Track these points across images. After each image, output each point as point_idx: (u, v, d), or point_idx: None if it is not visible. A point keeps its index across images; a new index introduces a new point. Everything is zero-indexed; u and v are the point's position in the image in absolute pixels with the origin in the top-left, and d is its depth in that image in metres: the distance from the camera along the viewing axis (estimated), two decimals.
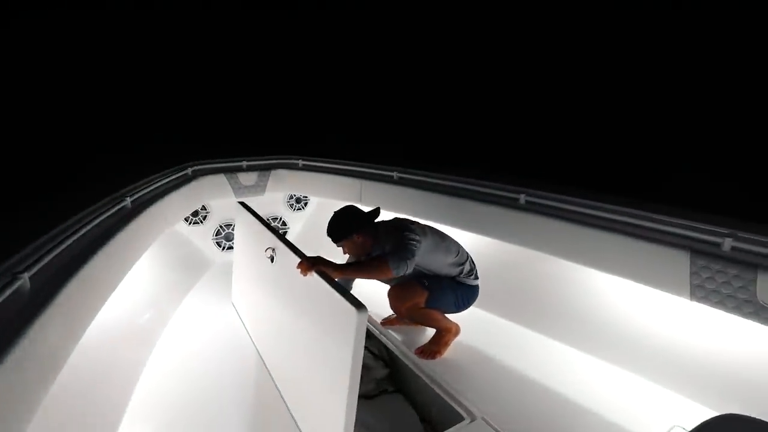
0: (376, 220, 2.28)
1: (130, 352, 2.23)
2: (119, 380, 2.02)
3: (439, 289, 2.19)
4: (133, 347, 2.26)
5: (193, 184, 3.14)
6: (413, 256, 2.00)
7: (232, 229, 3.72)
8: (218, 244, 3.66)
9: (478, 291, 2.32)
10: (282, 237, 1.98)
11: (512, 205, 2.45)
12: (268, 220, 3.81)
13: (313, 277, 1.58)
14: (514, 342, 2.42)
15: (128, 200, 2.28)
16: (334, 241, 2.24)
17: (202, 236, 3.59)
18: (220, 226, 3.67)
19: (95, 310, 1.65)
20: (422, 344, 2.30)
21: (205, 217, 3.60)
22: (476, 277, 2.30)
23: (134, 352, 2.25)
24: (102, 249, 1.74)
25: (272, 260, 2.04)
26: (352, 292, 1.43)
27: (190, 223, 3.53)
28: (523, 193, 2.46)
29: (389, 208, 3.11)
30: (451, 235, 2.35)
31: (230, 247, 3.69)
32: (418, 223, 2.25)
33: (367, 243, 2.23)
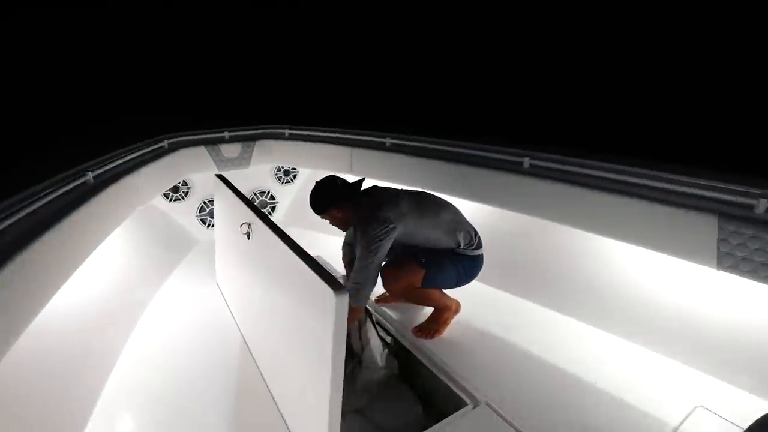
0: (362, 188, 2.07)
1: (104, 337, 2.05)
2: (91, 368, 1.86)
3: (437, 266, 1.99)
4: (107, 332, 2.09)
5: (170, 157, 2.90)
6: (371, 276, 1.85)
7: None
8: (202, 221, 3.44)
9: (481, 261, 2.10)
10: (259, 211, 1.78)
11: (516, 169, 2.23)
12: (254, 194, 3.62)
13: (289, 254, 1.37)
14: (520, 318, 2.24)
15: (90, 175, 2.05)
16: (316, 213, 2.07)
17: (184, 213, 3.38)
18: (204, 202, 3.45)
19: (45, 296, 1.46)
20: (419, 323, 2.13)
21: (186, 193, 3.37)
22: (479, 246, 2.08)
23: (109, 338, 2.08)
24: (54, 228, 1.54)
25: (248, 237, 1.84)
26: None
27: (170, 200, 3.31)
28: (527, 156, 2.24)
29: (383, 178, 2.88)
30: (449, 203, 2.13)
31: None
32: (398, 196, 1.97)
33: (347, 217, 2.04)
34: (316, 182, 2.04)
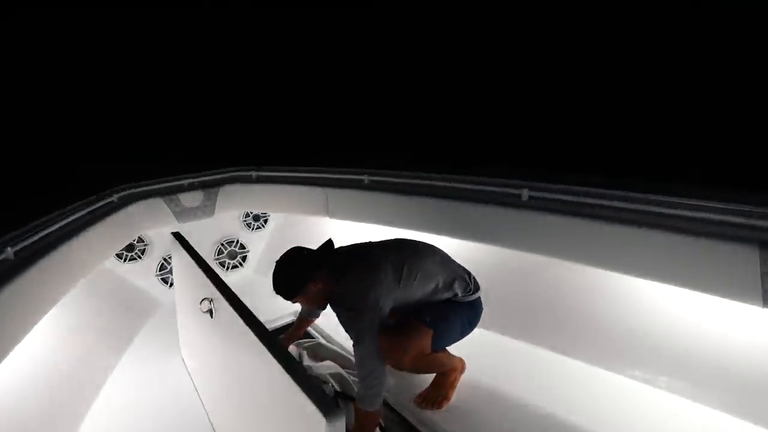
0: (332, 250, 1.73)
1: (56, 419, 1.80)
2: None
3: (443, 321, 1.68)
4: (58, 414, 1.83)
5: (121, 213, 2.55)
6: (378, 363, 1.52)
7: None
8: (164, 281, 3.07)
9: (481, 304, 1.82)
10: (222, 285, 1.47)
11: (513, 203, 1.99)
12: (222, 245, 3.27)
13: (265, 356, 1.06)
14: (529, 366, 1.99)
15: (9, 251, 1.70)
16: (287, 299, 1.66)
17: (142, 274, 3.00)
18: (164, 259, 3.08)
19: None
20: (420, 388, 1.82)
21: (143, 251, 3.00)
22: (476, 289, 1.80)
23: (60, 420, 1.81)
24: None
25: (211, 315, 1.52)
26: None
27: (125, 260, 2.93)
28: (525, 187, 2.01)
29: (363, 218, 2.62)
30: (435, 244, 1.86)
31: None
32: (378, 264, 1.64)
33: (326, 289, 1.65)
34: (277, 262, 1.65)
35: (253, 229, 3.41)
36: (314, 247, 1.70)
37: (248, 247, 3.38)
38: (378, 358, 1.52)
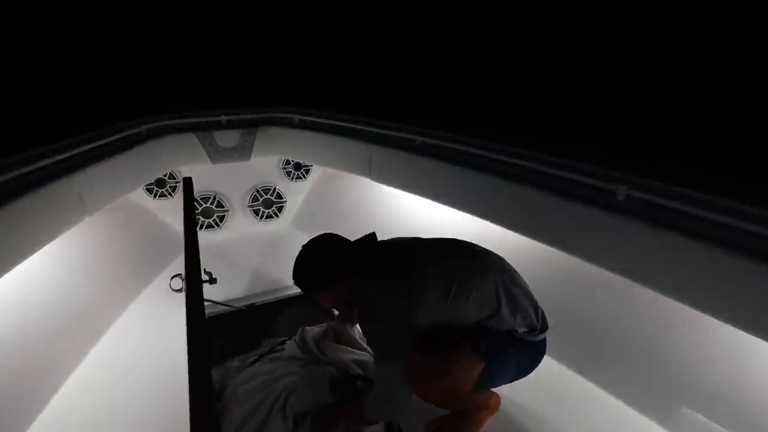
0: (371, 249, 1.31)
1: (63, 348, 1.81)
2: (38, 382, 1.63)
3: (501, 355, 1.24)
4: (67, 343, 1.84)
5: (148, 146, 2.33)
6: (400, 386, 1.20)
7: (211, 203, 2.93)
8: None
9: (544, 348, 1.36)
10: (193, 259, 1.17)
11: (603, 201, 1.47)
12: (257, 191, 3.02)
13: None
14: (591, 414, 1.54)
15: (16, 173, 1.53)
16: (306, 294, 1.31)
17: (172, 212, 2.83)
18: (196, 199, 2.89)
19: None
20: (437, 418, 1.47)
21: (174, 189, 2.82)
22: (543, 329, 1.32)
23: (67, 349, 1.83)
24: None
25: (183, 292, 1.23)
26: None
27: (155, 196, 2.76)
28: (623, 182, 1.47)
29: (408, 186, 2.20)
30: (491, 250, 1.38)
31: (210, 226, 2.93)
32: (420, 265, 1.23)
33: (353, 298, 1.29)
34: (304, 247, 1.30)
35: (292, 178, 3.11)
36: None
37: (285, 197, 3.11)
38: (403, 384, 1.19)
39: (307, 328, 1.82)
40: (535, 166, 1.71)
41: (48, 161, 1.75)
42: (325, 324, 1.84)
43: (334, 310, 1.92)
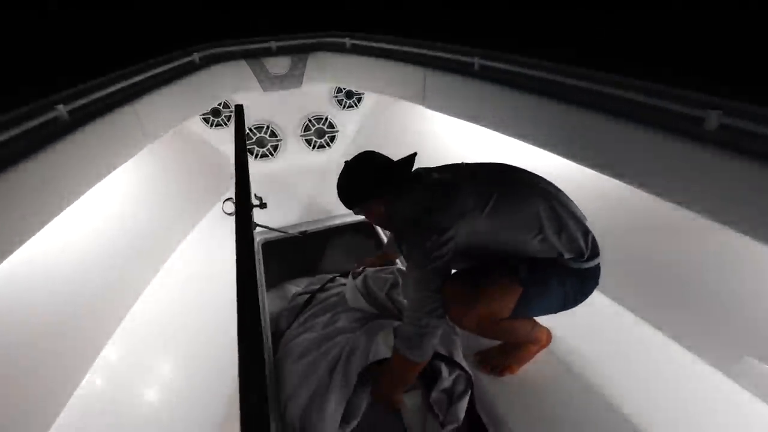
0: (410, 169, 1.30)
1: (130, 270, 1.94)
2: (112, 303, 1.78)
3: (542, 285, 1.19)
4: (134, 266, 1.97)
5: (201, 74, 2.33)
6: (434, 313, 1.16)
7: (265, 132, 2.95)
8: (249, 152, 2.95)
9: (598, 275, 1.27)
10: (243, 181, 1.19)
11: (691, 131, 1.29)
12: (309, 120, 2.99)
13: None
14: (650, 361, 1.48)
15: (62, 109, 1.56)
16: (346, 206, 1.35)
17: (228, 141, 2.89)
18: (250, 129, 2.92)
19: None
20: (483, 347, 1.47)
21: (229, 118, 2.85)
22: (593, 255, 1.23)
23: (136, 271, 1.97)
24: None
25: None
26: None
27: (211, 125, 2.82)
28: (716, 108, 1.27)
29: (464, 114, 2.07)
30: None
31: (264, 155, 2.98)
32: (458, 186, 1.19)
33: (391, 215, 1.30)
34: (347, 163, 1.32)
35: (344, 107, 3.03)
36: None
37: (338, 126, 3.06)
38: (438, 292, 1.16)
39: (369, 271, 1.70)
40: (610, 90, 1.52)
41: (110, 89, 1.79)
42: (385, 268, 1.75)
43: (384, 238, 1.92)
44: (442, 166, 1.34)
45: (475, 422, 1.32)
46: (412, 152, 1.31)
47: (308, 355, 1.39)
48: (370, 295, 1.60)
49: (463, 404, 1.28)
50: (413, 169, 1.31)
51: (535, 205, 1.17)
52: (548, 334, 1.42)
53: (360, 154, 1.32)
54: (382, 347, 1.30)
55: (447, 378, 1.31)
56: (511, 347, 1.41)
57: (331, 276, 1.93)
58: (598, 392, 1.34)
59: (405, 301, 1.49)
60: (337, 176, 1.32)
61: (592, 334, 1.54)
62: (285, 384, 1.33)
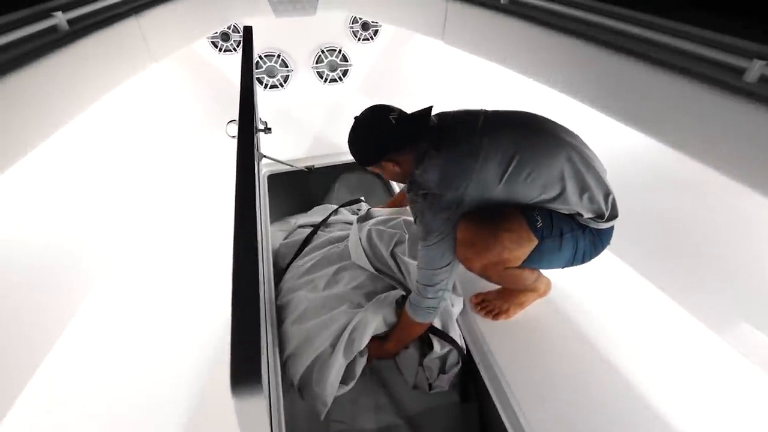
0: (426, 125, 1.20)
1: (131, 195, 1.90)
2: (111, 231, 1.74)
3: (558, 238, 1.16)
4: (135, 191, 1.93)
5: None
6: (441, 286, 1.20)
7: (275, 62, 2.83)
8: (258, 81, 2.84)
9: (610, 236, 1.25)
10: (248, 101, 1.14)
11: (733, 84, 1.19)
12: (322, 52, 2.85)
13: None
14: (648, 320, 1.48)
15: (61, 16, 1.47)
16: (360, 164, 1.28)
17: (237, 67, 2.78)
18: (260, 57, 2.79)
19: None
20: (482, 290, 1.47)
21: (239, 43, 2.72)
22: (612, 216, 1.20)
23: (138, 197, 1.93)
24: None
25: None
26: None
27: (219, 50, 2.70)
28: (761, 57, 1.17)
29: (487, 53, 1.95)
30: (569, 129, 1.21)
31: (274, 86, 2.87)
32: (480, 141, 1.11)
33: (407, 171, 1.23)
34: (357, 119, 1.23)
35: (359, 39, 2.88)
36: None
37: (351, 60, 2.92)
38: (447, 265, 1.17)
39: (374, 223, 1.62)
40: (644, 33, 1.40)
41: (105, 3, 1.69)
42: (391, 218, 1.67)
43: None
44: (462, 114, 1.23)
45: (465, 388, 1.37)
46: (428, 106, 1.21)
47: (309, 319, 1.36)
48: (375, 254, 1.55)
49: (451, 375, 1.32)
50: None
51: (559, 164, 1.10)
52: (547, 284, 1.41)
53: (373, 107, 1.22)
54: (383, 326, 1.33)
55: (438, 351, 1.31)
56: (510, 293, 1.41)
57: (335, 207, 1.91)
58: (589, 341, 1.36)
59: (410, 261, 1.45)
60: (349, 131, 1.24)
61: (590, 286, 1.53)
62: (285, 342, 1.33)
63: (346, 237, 1.68)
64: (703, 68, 1.23)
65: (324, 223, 1.82)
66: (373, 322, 1.29)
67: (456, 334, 1.37)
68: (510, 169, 1.09)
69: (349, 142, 1.25)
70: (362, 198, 2.01)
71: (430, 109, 1.21)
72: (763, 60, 1.14)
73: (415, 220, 1.23)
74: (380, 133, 1.19)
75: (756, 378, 1.28)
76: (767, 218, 1.29)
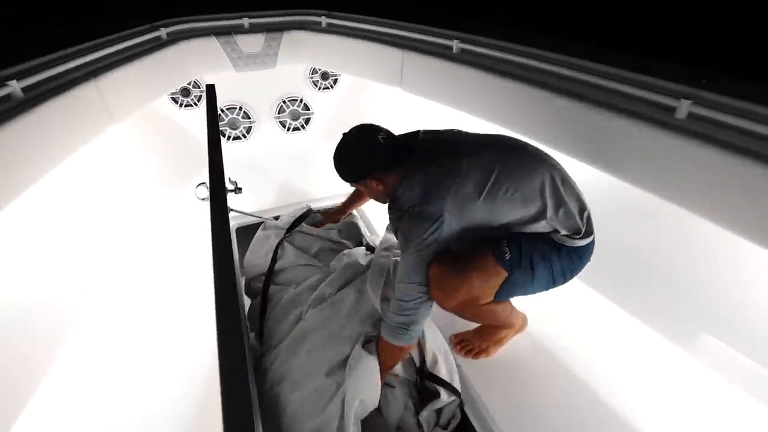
0: (413, 147, 1.25)
1: (97, 260, 1.86)
2: (78, 294, 1.71)
3: (528, 268, 1.17)
4: (101, 257, 1.89)
5: (169, 50, 2.22)
6: (418, 301, 1.18)
7: (238, 114, 2.86)
8: (221, 134, 2.86)
9: (590, 253, 1.28)
10: (216, 163, 1.15)
11: (662, 120, 1.32)
12: (284, 102, 2.92)
13: None
14: (624, 347, 1.53)
15: (16, 85, 1.45)
16: (344, 180, 1.32)
17: (198, 122, 2.79)
18: (222, 110, 2.83)
19: None
20: (461, 331, 1.49)
21: (199, 98, 2.75)
22: (588, 233, 1.24)
23: (104, 262, 1.89)
24: None
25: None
26: None
27: (180, 105, 2.71)
28: (687, 97, 1.30)
29: (442, 98, 2.06)
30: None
31: (237, 137, 2.89)
32: (460, 160, 1.16)
33: (389, 191, 1.27)
34: (345, 135, 1.27)
35: (320, 88, 2.97)
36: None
37: (313, 108, 3.00)
38: (420, 282, 1.17)
39: (348, 258, 1.63)
40: (587, 78, 1.53)
41: (69, 65, 1.69)
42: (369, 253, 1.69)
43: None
44: (446, 133, 1.29)
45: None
46: (416, 130, 1.29)
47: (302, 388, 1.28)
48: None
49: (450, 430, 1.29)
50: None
51: (539, 179, 1.16)
52: (524, 319, 1.45)
53: (363, 125, 1.27)
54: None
55: (445, 401, 1.28)
56: (487, 331, 1.44)
57: (302, 212, 1.93)
58: (570, 373, 1.39)
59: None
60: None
61: (564, 318, 1.58)
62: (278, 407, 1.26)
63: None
64: (638, 107, 1.36)
65: (295, 227, 1.84)
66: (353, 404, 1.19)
67: (457, 383, 1.33)
68: (490, 183, 1.13)
69: (335, 156, 1.28)
70: (309, 205, 2.01)
71: (417, 132, 1.28)
72: (690, 101, 1.27)
73: (396, 235, 1.25)
74: (368, 151, 1.23)
75: (721, 387, 1.35)
76: (715, 238, 1.38)
